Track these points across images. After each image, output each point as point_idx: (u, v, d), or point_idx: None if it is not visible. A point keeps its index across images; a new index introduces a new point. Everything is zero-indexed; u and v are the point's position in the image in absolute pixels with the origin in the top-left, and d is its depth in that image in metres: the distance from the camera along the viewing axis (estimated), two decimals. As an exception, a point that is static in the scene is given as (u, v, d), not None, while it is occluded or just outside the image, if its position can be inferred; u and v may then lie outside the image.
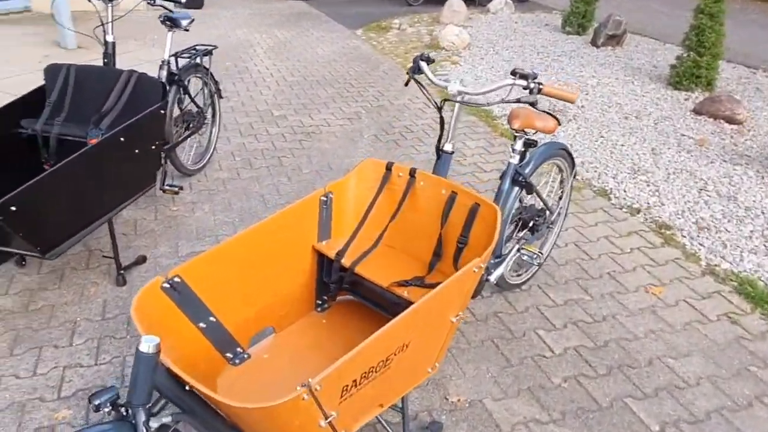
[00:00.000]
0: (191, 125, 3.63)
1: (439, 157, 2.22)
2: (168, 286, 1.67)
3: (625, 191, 3.91)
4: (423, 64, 2.19)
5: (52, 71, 2.74)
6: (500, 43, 7.71)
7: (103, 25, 2.85)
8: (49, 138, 2.65)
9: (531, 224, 2.66)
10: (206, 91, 3.79)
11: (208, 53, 3.62)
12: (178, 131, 3.53)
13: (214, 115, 3.98)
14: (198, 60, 3.53)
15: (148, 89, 2.70)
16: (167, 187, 3.26)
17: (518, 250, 2.57)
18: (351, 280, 2.03)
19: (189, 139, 3.64)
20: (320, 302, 2.17)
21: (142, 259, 2.92)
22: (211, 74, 3.77)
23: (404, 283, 1.92)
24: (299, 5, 10.21)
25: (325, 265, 2.13)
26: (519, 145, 2.39)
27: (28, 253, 2.23)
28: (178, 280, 1.70)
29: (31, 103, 2.73)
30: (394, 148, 4.44)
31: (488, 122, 5.04)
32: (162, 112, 2.71)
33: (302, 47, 7.25)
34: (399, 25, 8.66)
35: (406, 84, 2.36)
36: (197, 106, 3.64)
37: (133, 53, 6.45)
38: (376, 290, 1.98)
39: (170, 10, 3.11)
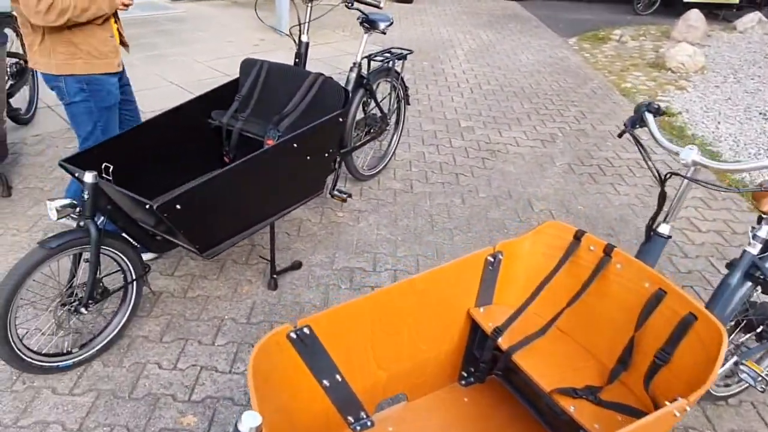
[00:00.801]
0: (372, 130, 3.49)
1: (648, 239, 1.72)
2: (295, 336, 1.48)
3: None
4: (649, 117, 1.71)
5: (246, 65, 2.76)
6: (744, 69, 6.48)
7: (299, 24, 2.79)
8: (232, 132, 2.67)
9: (760, 329, 2.02)
10: (394, 95, 3.62)
11: (402, 58, 3.43)
12: (358, 135, 3.42)
13: (397, 122, 3.82)
14: (390, 64, 3.37)
15: (331, 94, 2.58)
16: (336, 193, 3.16)
17: (736, 363, 1.95)
18: (506, 366, 1.66)
19: (368, 143, 3.52)
20: (466, 374, 1.84)
21: (297, 265, 2.85)
22: (402, 79, 3.59)
23: (572, 393, 1.50)
24: (512, 6, 9.76)
25: (479, 335, 1.78)
26: (764, 232, 1.79)
27: (188, 248, 2.23)
28: (307, 331, 1.50)
29: (225, 94, 2.78)
30: (589, 183, 3.87)
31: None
32: (341, 120, 2.57)
33: (505, 53, 6.84)
34: (620, 36, 7.77)
35: (620, 135, 1.89)
36: (381, 112, 3.48)
37: (330, 45, 6.63)
38: (535, 389, 1.59)
39: (364, 13, 2.96)
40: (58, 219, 1.93)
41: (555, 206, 3.58)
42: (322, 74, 2.61)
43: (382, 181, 3.72)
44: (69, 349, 2.16)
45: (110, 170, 2.09)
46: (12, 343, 1.93)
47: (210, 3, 8.07)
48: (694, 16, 7.59)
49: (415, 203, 3.50)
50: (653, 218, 1.73)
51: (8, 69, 3.62)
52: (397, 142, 3.88)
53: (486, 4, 9.84)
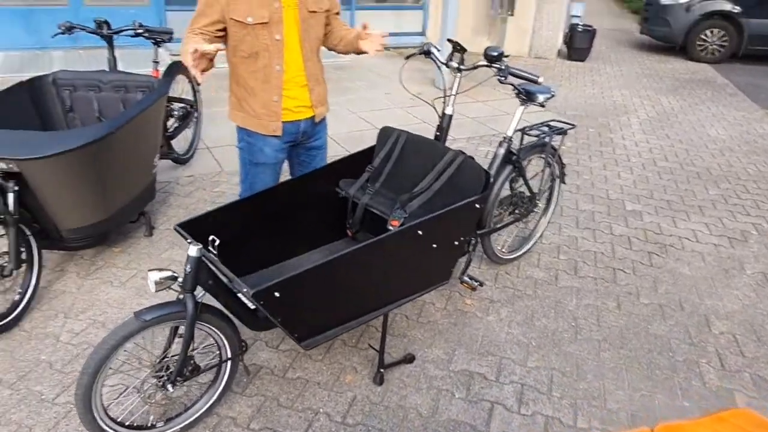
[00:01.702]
0: (518, 210, 3.09)
1: None
2: None
3: None
4: None
5: (383, 134, 2.55)
6: None
7: (444, 95, 2.52)
8: (357, 205, 2.45)
9: None
10: (547, 172, 3.19)
11: (562, 133, 3.01)
12: (501, 214, 3.04)
13: (549, 202, 3.36)
14: (547, 139, 2.96)
15: (470, 176, 2.25)
16: (466, 279, 2.79)
17: None
18: None
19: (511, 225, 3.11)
20: None
21: (410, 358, 2.52)
22: (559, 155, 3.16)
23: None
24: (703, 69, 8.72)
25: None
26: None
27: (288, 335, 2.02)
28: None
29: (358, 162, 2.59)
30: (791, 304, 3.06)
31: None
32: (477, 206, 2.23)
33: (690, 124, 6.00)
34: (841, 113, 6.47)
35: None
36: (530, 191, 3.07)
37: (488, 103, 6.31)
38: None
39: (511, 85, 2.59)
40: (156, 291, 1.82)
41: (742, 330, 2.84)
42: (462, 153, 2.30)
43: (523, 267, 3.27)
44: (153, 423, 2.04)
45: (216, 243, 1.96)
46: (95, 412, 1.84)
47: (377, 53, 8.27)
48: None
49: (559, 300, 3.00)
50: None
51: (175, 113, 3.84)
52: (547, 224, 3.42)
53: (671, 65, 8.91)
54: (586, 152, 5.02)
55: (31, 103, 2.97)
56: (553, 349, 2.65)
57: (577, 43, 8.78)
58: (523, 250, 3.31)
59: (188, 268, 1.84)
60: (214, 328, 2.00)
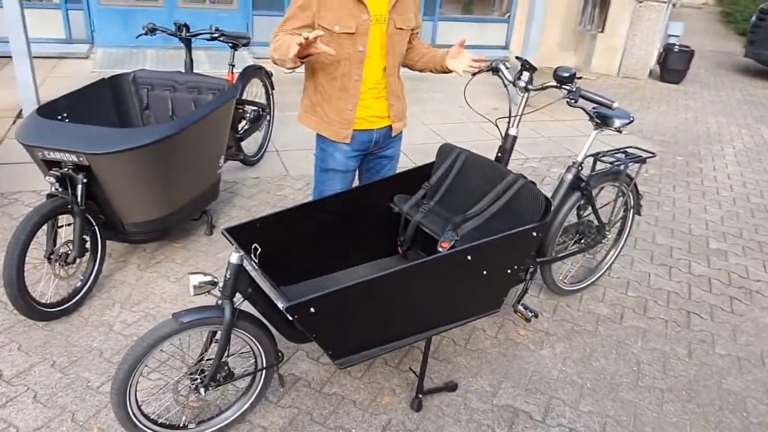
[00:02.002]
0: (584, 240, 2.89)
1: None
2: None
3: None
4: None
5: (443, 151, 2.45)
6: None
7: (509, 116, 2.38)
8: (409, 222, 2.37)
9: None
10: (620, 202, 2.97)
11: (640, 161, 2.79)
12: (565, 242, 2.86)
13: (620, 233, 3.13)
14: (622, 167, 2.75)
15: (529, 202, 2.12)
16: (520, 309, 2.64)
17: None
18: None
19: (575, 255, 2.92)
20: None
21: (452, 386, 2.40)
22: (635, 185, 2.93)
23: None
24: (813, 98, 7.96)
25: None
26: None
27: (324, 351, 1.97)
28: None
29: (415, 178, 2.51)
30: None
31: None
32: (534, 235, 2.09)
33: (793, 158, 5.47)
34: None
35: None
36: (599, 221, 2.87)
37: (566, 123, 6.03)
38: None
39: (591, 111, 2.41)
40: (194, 295, 1.82)
41: (834, 398, 2.51)
42: (523, 176, 2.16)
43: (585, 300, 3.06)
44: (186, 423, 2.05)
45: (257, 252, 1.94)
46: (128, 408, 1.86)
47: (457, 65, 8.16)
48: None
49: (622, 341, 2.77)
50: None
51: (247, 115, 3.92)
52: (616, 256, 3.18)
53: (778, 92, 8.21)
54: (670, 181, 4.68)
55: (111, 99, 3.12)
56: (609, 393, 2.45)
57: (672, 64, 8.27)
58: (588, 283, 3.10)
59: (228, 275, 1.84)
60: (250, 336, 1.98)
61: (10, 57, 4.63)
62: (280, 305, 1.68)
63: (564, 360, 2.62)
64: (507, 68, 2.37)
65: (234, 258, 1.83)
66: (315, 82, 2.36)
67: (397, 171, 2.49)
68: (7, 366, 2.31)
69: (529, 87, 2.37)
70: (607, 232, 2.95)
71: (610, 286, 3.20)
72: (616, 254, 3.18)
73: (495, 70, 2.40)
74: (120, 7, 6.74)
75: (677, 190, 4.54)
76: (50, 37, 6.57)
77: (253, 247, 1.94)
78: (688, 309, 3.06)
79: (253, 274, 1.93)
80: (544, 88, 2.34)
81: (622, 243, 3.16)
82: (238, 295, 1.89)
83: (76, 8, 6.63)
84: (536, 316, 2.63)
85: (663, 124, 6.31)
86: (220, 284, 1.87)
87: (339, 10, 2.17)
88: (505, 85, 2.36)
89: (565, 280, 3.04)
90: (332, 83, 2.31)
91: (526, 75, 2.34)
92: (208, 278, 1.83)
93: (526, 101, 2.41)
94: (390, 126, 2.46)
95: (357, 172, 2.65)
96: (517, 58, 2.38)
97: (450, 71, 2.38)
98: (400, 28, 2.30)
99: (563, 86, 2.28)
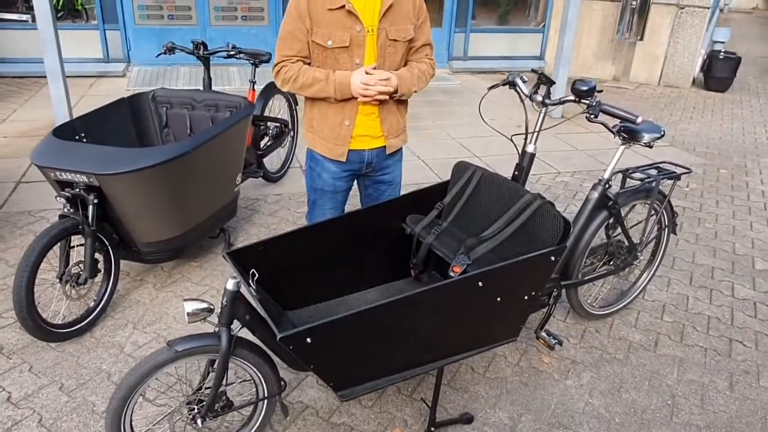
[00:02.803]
0: (613, 262, 2.71)
1: None
2: None
3: None
4: None
5: (458, 169, 2.33)
6: None
7: (526, 132, 2.25)
8: (421, 244, 2.26)
9: None
10: (653, 221, 2.77)
11: (674, 178, 2.60)
12: (593, 264, 2.69)
13: (654, 253, 2.93)
14: (654, 184, 2.57)
15: (547, 224, 1.98)
16: (543, 336, 2.48)
17: None
18: None
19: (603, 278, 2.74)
20: None
21: (467, 419, 2.26)
22: (669, 202, 2.74)
23: None
24: None
25: None
26: None
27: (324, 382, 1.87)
28: None
29: (429, 197, 2.40)
30: None
31: None
32: (552, 259, 1.94)
33: None
34: None
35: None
36: (630, 242, 2.69)
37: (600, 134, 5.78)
38: None
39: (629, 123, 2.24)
40: (189, 323, 1.75)
41: None
42: (541, 197, 2.03)
43: (616, 326, 2.87)
44: (186, 453, 1.98)
45: (255, 278, 1.87)
46: (124, 439, 1.80)
47: (489, 77, 7.99)
48: None
49: (655, 371, 2.58)
50: None
51: (269, 132, 3.90)
52: (650, 277, 2.98)
53: (834, 99, 7.72)
54: (712, 196, 4.40)
55: (131, 117, 3.13)
56: (640, 430, 2.26)
57: (717, 72, 7.90)
58: (618, 306, 2.90)
59: (225, 301, 1.77)
60: (250, 365, 1.90)
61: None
62: (276, 335, 1.60)
63: (591, 391, 2.45)
64: (524, 82, 2.24)
65: (230, 284, 1.75)
66: (312, 99, 2.29)
67: (422, 185, 2.39)
68: (16, 388, 2.30)
69: (547, 101, 2.23)
70: (639, 253, 2.76)
71: (643, 310, 2.99)
72: (650, 276, 2.98)
73: (512, 84, 2.27)
74: (154, 27, 6.90)
75: (720, 205, 4.26)
76: (89, 57, 6.78)
77: (251, 272, 1.87)
78: (730, 336, 2.83)
79: (251, 299, 1.85)
80: (561, 103, 2.21)
81: (656, 264, 2.96)
82: (236, 322, 1.82)
83: (113, 29, 6.82)
84: (560, 343, 2.47)
85: (706, 134, 6.00)
86: (217, 311, 1.80)
87: (329, 24, 2.11)
88: (522, 100, 2.22)
89: (594, 304, 2.86)
90: (328, 98, 2.22)
91: (543, 89, 2.21)
92: (204, 305, 1.77)
93: (544, 116, 2.27)
94: (384, 146, 2.36)
95: (360, 197, 2.59)
96: (533, 71, 2.25)
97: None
98: (394, 40, 2.18)
99: (582, 101, 2.14)
